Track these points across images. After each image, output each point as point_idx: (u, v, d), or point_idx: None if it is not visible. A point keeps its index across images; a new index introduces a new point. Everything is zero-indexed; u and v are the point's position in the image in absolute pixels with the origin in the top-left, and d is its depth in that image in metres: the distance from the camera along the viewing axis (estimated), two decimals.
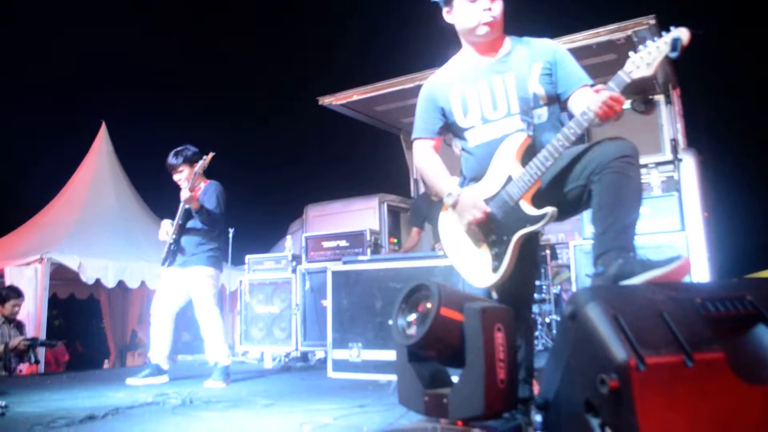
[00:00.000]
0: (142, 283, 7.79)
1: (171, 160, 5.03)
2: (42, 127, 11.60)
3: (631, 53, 2.20)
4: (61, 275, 7.45)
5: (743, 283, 1.79)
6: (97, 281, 7.32)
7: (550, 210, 2.27)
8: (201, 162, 4.80)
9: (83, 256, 7.22)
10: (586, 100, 2.27)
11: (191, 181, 4.82)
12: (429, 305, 2.15)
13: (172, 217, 5.10)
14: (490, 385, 2.01)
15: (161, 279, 5.14)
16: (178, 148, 5.06)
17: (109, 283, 7.43)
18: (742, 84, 9.17)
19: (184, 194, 4.75)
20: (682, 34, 2.09)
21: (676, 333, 1.52)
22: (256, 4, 12.53)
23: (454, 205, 2.52)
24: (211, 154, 4.81)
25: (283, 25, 12.66)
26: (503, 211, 2.39)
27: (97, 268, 7.34)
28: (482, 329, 1.99)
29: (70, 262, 7.10)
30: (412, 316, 2.27)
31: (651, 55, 2.14)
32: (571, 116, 2.45)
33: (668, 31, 2.13)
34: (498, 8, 2.50)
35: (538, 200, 2.36)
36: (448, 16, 2.63)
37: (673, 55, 2.10)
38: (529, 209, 2.33)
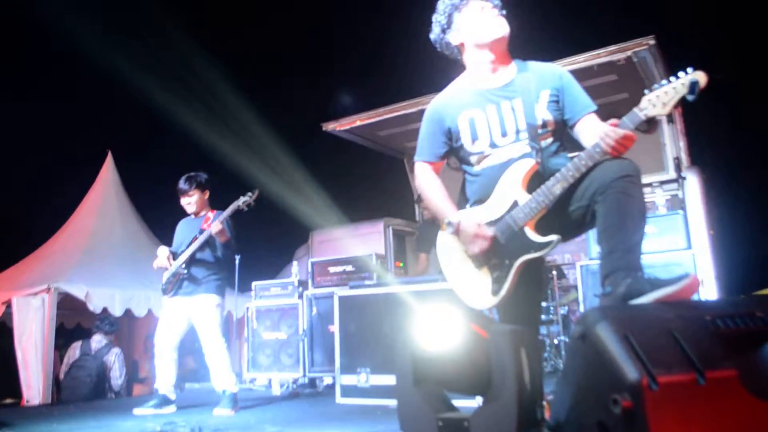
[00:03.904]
0: (149, 311, 7.80)
1: (182, 185, 5.06)
2: (48, 156, 11.68)
3: (646, 91, 2.20)
4: (67, 305, 7.47)
5: (752, 300, 1.79)
6: (104, 310, 7.33)
7: (555, 238, 2.29)
8: (246, 198, 4.83)
9: (90, 286, 7.24)
10: (598, 131, 2.26)
11: (227, 212, 4.82)
12: (455, 319, 2.12)
13: (168, 244, 5.12)
14: (521, 407, 1.97)
15: (164, 308, 5.11)
16: (191, 174, 5.10)
17: (116, 311, 7.42)
18: (744, 100, 9.21)
19: (216, 227, 4.73)
20: (700, 77, 2.10)
21: (688, 351, 1.51)
22: (257, 30, 12.66)
23: (455, 233, 2.52)
24: (257, 192, 4.86)
25: (284, 51, 12.79)
26: (507, 236, 2.40)
27: (104, 296, 7.34)
28: (511, 350, 1.97)
29: (77, 291, 7.10)
30: (433, 329, 2.21)
31: (668, 95, 2.15)
32: (576, 141, 2.47)
33: (686, 72, 2.13)
34: (507, 26, 2.54)
35: (541, 223, 2.37)
36: (454, 36, 2.63)
37: (690, 98, 2.11)
38: (534, 236, 2.34)
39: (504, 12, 2.58)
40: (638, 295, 1.96)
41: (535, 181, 2.39)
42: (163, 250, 5.07)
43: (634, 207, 2.17)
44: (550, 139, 2.52)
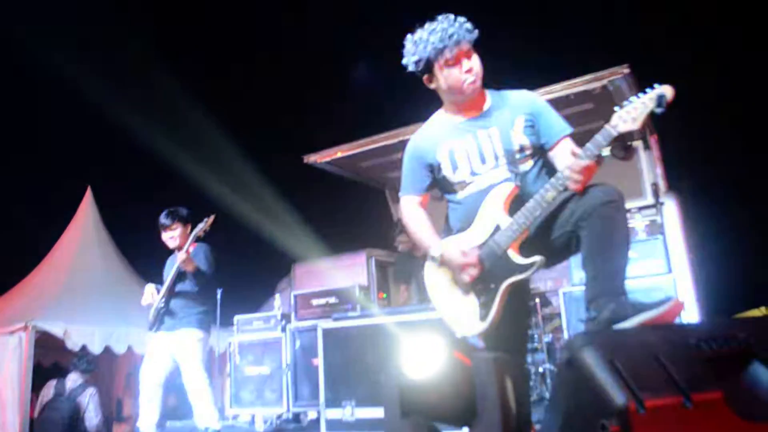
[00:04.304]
0: (129, 347, 7.67)
1: (164, 219, 5.00)
2: (27, 191, 11.58)
3: (616, 108, 2.27)
4: (44, 343, 7.32)
5: (734, 322, 1.81)
6: (83, 347, 7.20)
7: (538, 259, 2.31)
8: (201, 225, 4.77)
9: (69, 323, 7.12)
10: (565, 160, 2.33)
11: (187, 242, 4.78)
12: (439, 347, 2.12)
13: (158, 282, 5.06)
14: None
15: (148, 345, 5.03)
16: (171, 208, 5.05)
17: (96, 349, 7.29)
18: (719, 124, 9.42)
19: (181, 256, 4.68)
20: (667, 91, 2.17)
21: (673, 374, 1.52)
22: (239, 65, 12.76)
23: (441, 263, 2.55)
24: (212, 217, 4.80)
25: (263, 84, 12.88)
26: (491, 260, 2.41)
27: (83, 334, 7.22)
28: (495, 378, 1.96)
29: (56, 329, 6.98)
30: (418, 359, 2.21)
31: (637, 110, 2.21)
32: (552, 167, 2.51)
33: (652, 87, 2.20)
34: (478, 65, 2.54)
35: (526, 248, 2.39)
36: (429, 83, 2.63)
37: (659, 111, 2.17)
38: (517, 258, 2.36)
39: (474, 49, 2.57)
40: (622, 320, 1.97)
41: (516, 204, 2.42)
42: (149, 287, 5.01)
43: (618, 232, 2.21)
44: (530, 163, 2.56)
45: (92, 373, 7.28)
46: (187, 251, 4.70)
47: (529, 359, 6.51)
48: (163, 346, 4.85)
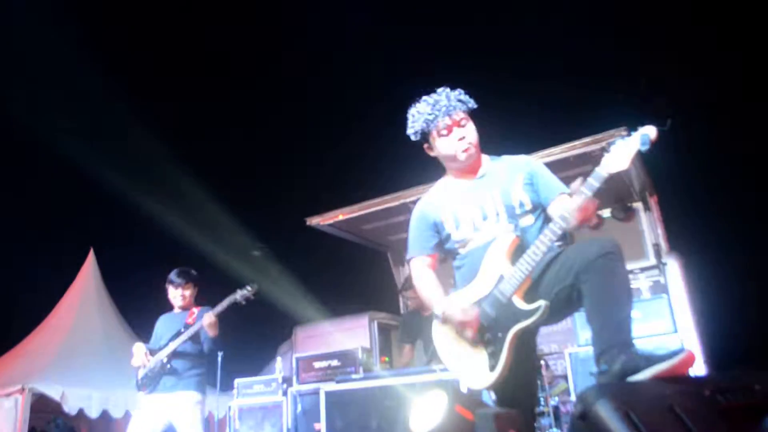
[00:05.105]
0: (126, 412, 7.50)
1: (176, 278, 4.94)
2: (28, 253, 11.57)
3: (605, 153, 2.36)
4: (41, 407, 7.17)
5: (750, 374, 1.79)
6: (80, 411, 7.04)
7: (543, 303, 2.32)
8: (245, 292, 4.76)
9: (66, 386, 6.99)
10: (565, 205, 2.41)
11: (220, 306, 4.71)
12: (442, 402, 2.12)
13: (143, 340, 4.98)
14: None
15: (139, 407, 4.84)
16: (183, 268, 5.03)
17: (93, 413, 7.15)
18: (718, 184, 9.54)
19: (209, 318, 4.63)
20: (650, 131, 2.27)
21: (690, 426, 1.50)
22: (240, 130, 13.00)
23: (444, 322, 2.60)
24: (255, 286, 4.79)
25: (266, 148, 13.07)
26: (497, 310, 2.44)
27: (80, 397, 7.08)
28: None
29: (53, 392, 6.85)
30: (422, 415, 2.22)
31: (623, 151, 2.30)
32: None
33: (636, 130, 2.31)
34: (471, 134, 2.69)
35: (530, 296, 2.42)
36: (429, 151, 2.79)
37: (644, 149, 2.26)
38: (522, 304, 2.38)
39: (470, 115, 2.73)
40: (635, 372, 1.96)
41: (518, 254, 2.47)
42: (139, 347, 4.91)
43: (619, 282, 2.23)
44: (531, 218, 2.64)
45: None
46: (215, 314, 4.67)
47: (535, 424, 6.36)
48: (158, 409, 4.73)
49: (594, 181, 2.31)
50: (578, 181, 2.41)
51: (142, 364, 4.83)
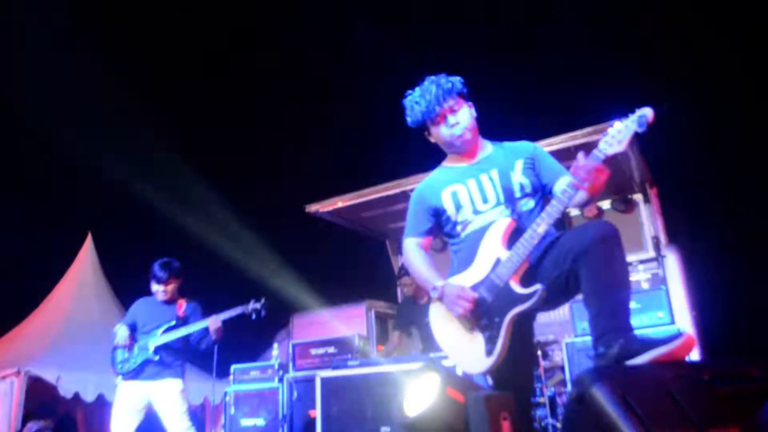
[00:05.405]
0: None
1: (160, 273, 4.91)
2: (26, 237, 11.54)
3: (602, 135, 2.35)
4: (36, 390, 7.17)
5: (748, 361, 1.77)
6: (76, 395, 7.04)
7: (539, 287, 2.31)
8: (256, 305, 4.81)
9: (62, 369, 6.99)
10: (568, 180, 2.40)
11: (228, 315, 4.77)
12: (434, 384, 2.10)
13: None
14: None
15: (120, 393, 4.81)
16: (165, 260, 4.98)
17: (89, 396, 7.14)
18: (719, 178, 9.52)
19: (215, 324, 4.68)
20: (647, 112, 2.27)
21: (688, 411, 1.48)
22: (239, 114, 12.94)
23: (440, 298, 2.58)
24: (263, 301, 4.84)
25: (265, 134, 13.02)
26: (493, 294, 2.42)
27: (76, 380, 7.08)
28: (489, 417, 1.93)
29: (49, 375, 6.85)
30: (414, 397, 2.21)
31: (621, 133, 2.30)
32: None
33: (633, 112, 2.30)
34: (465, 118, 2.70)
35: (527, 280, 2.41)
36: (429, 138, 2.82)
37: (641, 130, 2.27)
38: (519, 288, 2.37)
39: (470, 103, 2.76)
40: (633, 356, 1.94)
41: (514, 238, 2.46)
42: (123, 329, 4.87)
43: (618, 268, 2.23)
44: (532, 202, 2.65)
45: (51, 418, 6.99)
46: (222, 321, 4.69)
47: (531, 414, 6.36)
48: (139, 396, 4.72)
49: (593, 161, 2.30)
50: (580, 155, 2.37)
51: (123, 346, 4.79)
